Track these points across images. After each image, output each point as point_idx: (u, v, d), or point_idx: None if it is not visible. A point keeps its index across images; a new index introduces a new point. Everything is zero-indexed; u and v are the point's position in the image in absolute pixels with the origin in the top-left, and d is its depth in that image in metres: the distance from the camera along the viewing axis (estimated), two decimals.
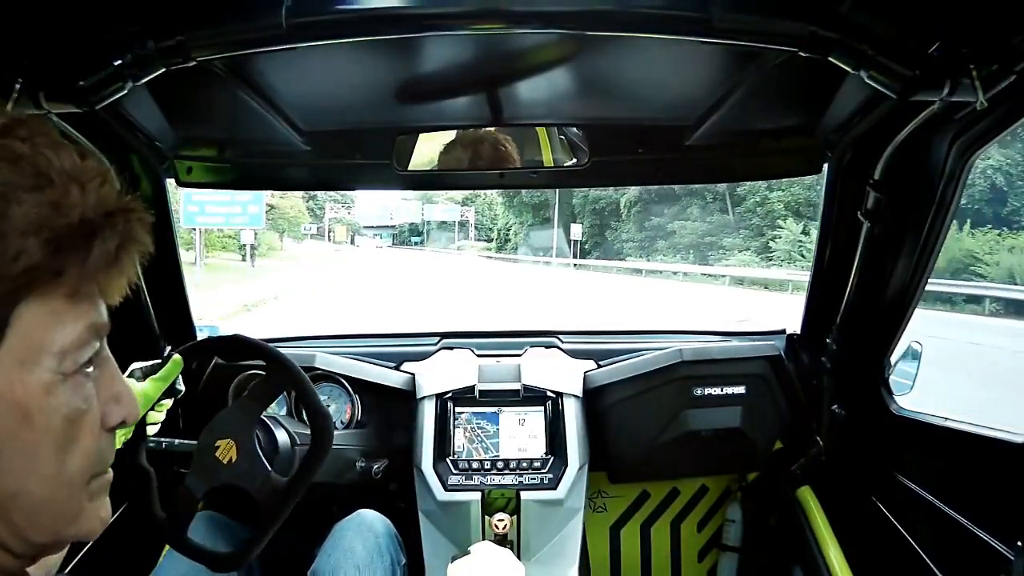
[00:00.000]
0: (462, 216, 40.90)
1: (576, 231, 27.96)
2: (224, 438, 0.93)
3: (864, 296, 1.24)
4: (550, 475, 1.31)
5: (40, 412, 0.40)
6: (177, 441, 1.02)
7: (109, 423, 0.46)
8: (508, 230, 36.31)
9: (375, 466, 1.28)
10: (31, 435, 0.41)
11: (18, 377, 0.39)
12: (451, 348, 1.56)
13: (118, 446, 0.87)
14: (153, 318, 1.32)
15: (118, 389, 0.46)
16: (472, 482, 1.31)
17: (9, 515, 0.41)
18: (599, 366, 1.46)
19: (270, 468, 0.91)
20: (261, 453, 0.92)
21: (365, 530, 1.08)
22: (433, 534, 1.33)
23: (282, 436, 1.06)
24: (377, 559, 1.04)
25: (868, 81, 0.78)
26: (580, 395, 1.40)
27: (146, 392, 0.89)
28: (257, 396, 0.95)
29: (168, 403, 1.02)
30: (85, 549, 1.12)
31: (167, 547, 1.01)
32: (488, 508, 1.31)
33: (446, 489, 1.30)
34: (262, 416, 0.99)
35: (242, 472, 0.91)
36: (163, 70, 0.78)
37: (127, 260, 0.42)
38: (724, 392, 1.34)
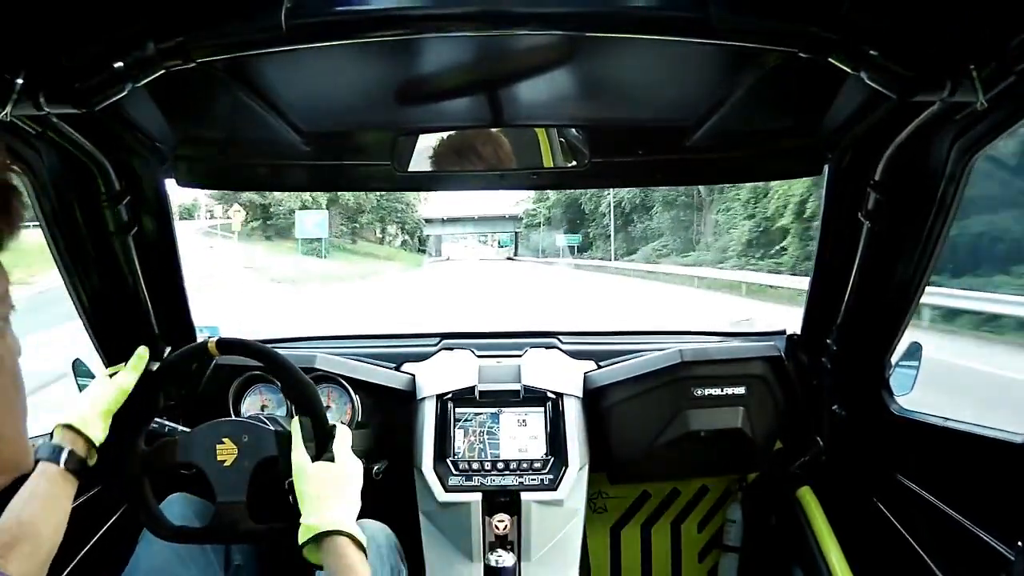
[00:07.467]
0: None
1: None
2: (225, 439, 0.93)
3: (864, 297, 1.24)
4: (550, 476, 1.31)
5: (4, 357, 0.47)
6: (180, 428, 1.03)
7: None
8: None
9: (375, 467, 1.28)
10: (4, 379, 0.47)
11: None
12: (451, 349, 1.56)
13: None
14: (153, 319, 1.32)
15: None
16: (472, 483, 1.31)
17: None
18: (599, 367, 1.46)
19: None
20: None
21: (366, 539, 1.08)
22: (434, 535, 1.33)
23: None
24: (378, 567, 1.04)
25: (868, 82, 0.78)
26: (580, 396, 1.40)
27: (120, 385, 0.97)
28: None
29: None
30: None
31: (141, 538, 1.01)
32: (488, 509, 1.31)
33: (446, 490, 1.30)
34: (261, 416, 0.99)
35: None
36: (163, 71, 0.78)
37: (17, 200, 0.48)
38: (724, 392, 1.34)
